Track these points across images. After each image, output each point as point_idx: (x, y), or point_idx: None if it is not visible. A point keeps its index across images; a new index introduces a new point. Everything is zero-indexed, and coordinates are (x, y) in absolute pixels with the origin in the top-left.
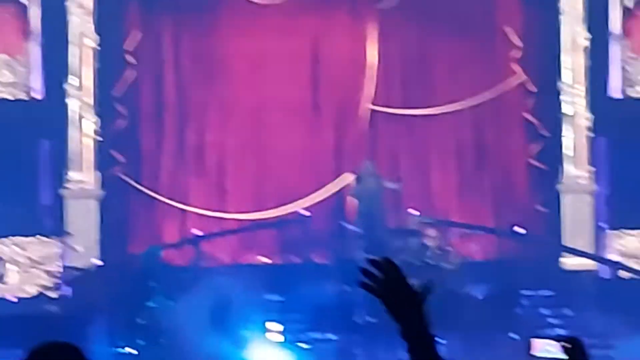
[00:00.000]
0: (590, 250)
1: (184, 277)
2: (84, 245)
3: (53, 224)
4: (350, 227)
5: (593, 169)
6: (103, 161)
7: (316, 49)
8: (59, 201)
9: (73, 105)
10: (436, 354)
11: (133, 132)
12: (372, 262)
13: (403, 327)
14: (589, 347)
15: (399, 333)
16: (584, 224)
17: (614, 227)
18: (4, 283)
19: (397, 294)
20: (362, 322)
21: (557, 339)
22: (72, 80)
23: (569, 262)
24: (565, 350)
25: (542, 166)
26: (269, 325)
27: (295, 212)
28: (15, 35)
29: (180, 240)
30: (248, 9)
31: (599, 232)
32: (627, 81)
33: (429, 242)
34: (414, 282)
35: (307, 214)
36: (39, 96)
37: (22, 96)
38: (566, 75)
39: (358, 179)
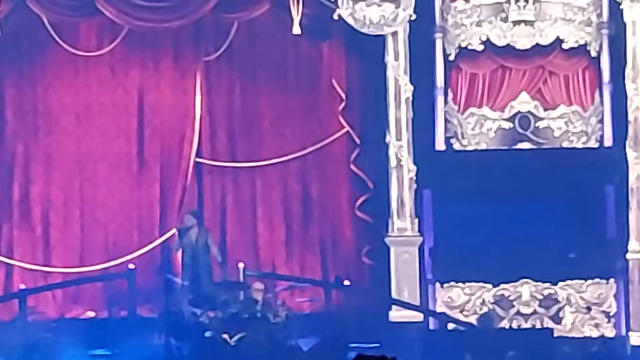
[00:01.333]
0: (417, 302)
1: (10, 332)
2: None
3: None
4: (177, 280)
5: (418, 220)
6: None
7: (141, 100)
8: None
9: None
10: None
11: None
12: None
13: None
14: None
15: None
16: (411, 276)
17: (440, 280)
18: None
19: None
20: None
21: None
22: None
23: (396, 314)
24: None
25: (368, 218)
26: None
27: (121, 266)
28: None
29: (5, 295)
30: (71, 60)
31: (425, 284)
32: (450, 133)
33: (256, 295)
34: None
35: (133, 267)
36: None
37: None
38: (391, 127)
39: (180, 234)
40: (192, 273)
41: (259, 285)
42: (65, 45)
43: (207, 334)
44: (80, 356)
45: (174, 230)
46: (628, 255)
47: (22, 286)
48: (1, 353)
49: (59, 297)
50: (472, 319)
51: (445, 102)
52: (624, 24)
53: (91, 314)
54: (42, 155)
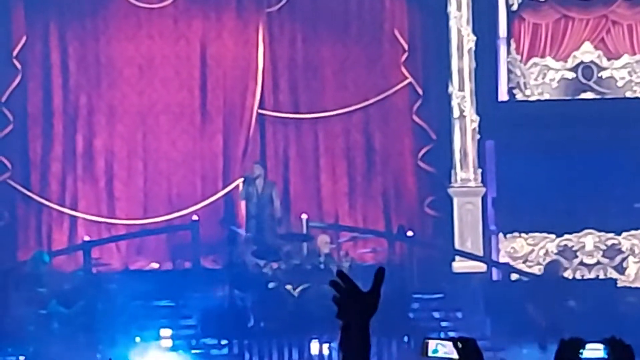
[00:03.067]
0: (480, 252)
1: (74, 283)
2: None
3: None
4: (241, 231)
5: (481, 171)
6: None
7: (204, 52)
8: None
9: None
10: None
11: (20, 137)
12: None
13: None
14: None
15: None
16: (474, 226)
17: (503, 230)
18: None
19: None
20: (253, 326)
21: (451, 339)
22: None
23: (460, 264)
24: (458, 350)
25: (431, 169)
26: (160, 331)
27: (185, 217)
28: None
29: (70, 246)
30: (134, 12)
31: (489, 235)
32: (512, 83)
33: (320, 246)
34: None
35: (196, 218)
36: None
37: None
38: (453, 77)
39: (246, 182)
40: (256, 224)
41: (322, 236)
42: None
43: (271, 285)
44: (144, 307)
45: (238, 181)
46: None
47: (87, 238)
48: (66, 304)
49: (123, 249)
50: (536, 270)
51: (508, 52)
52: None
53: (155, 265)
54: (105, 107)
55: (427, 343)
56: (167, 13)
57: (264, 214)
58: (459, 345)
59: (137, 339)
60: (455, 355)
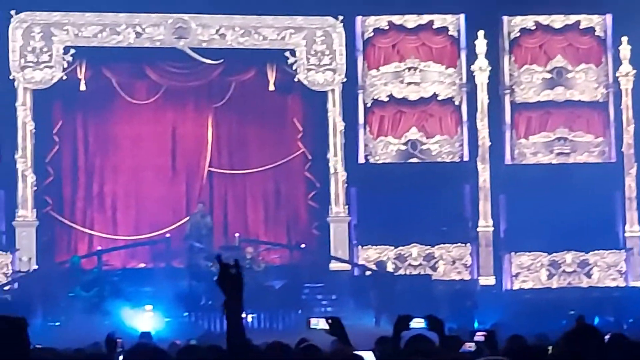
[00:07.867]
0: (347, 257)
1: (92, 276)
2: (27, 256)
3: (7, 243)
4: (196, 244)
5: (347, 207)
6: (38, 203)
7: (174, 132)
8: (12, 229)
9: (19, 167)
10: (240, 317)
11: (57, 184)
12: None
13: (228, 297)
14: (345, 320)
15: (224, 302)
16: (343, 241)
17: (361, 244)
18: None
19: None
20: (203, 303)
21: (325, 317)
22: (19, 152)
23: (334, 265)
24: (329, 324)
25: (316, 206)
26: (146, 307)
27: (161, 235)
28: None
29: (88, 253)
30: (130, 106)
31: (352, 247)
32: (367, 152)
33: (246, 253)
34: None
35: (169, 235)
36: None
37: None
38: (330, 148)
39: (193, 215)
40: (206, 240)
41: (247, 247)
42: (126, 97)
43: (214, 278)
44: (135, 292)
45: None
46: (478, 229)
47: (99, 247)
48: (85, 289)
49: (122, 254)
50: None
51: (365, 133)
52: (476, 85)
53: (142, 265)
54: (110, 166)
55: (309, 320)
56: (150, 106)
57: (206, 233)
58: (329, 321)
59: (132, 311)
60: (327, 327)
